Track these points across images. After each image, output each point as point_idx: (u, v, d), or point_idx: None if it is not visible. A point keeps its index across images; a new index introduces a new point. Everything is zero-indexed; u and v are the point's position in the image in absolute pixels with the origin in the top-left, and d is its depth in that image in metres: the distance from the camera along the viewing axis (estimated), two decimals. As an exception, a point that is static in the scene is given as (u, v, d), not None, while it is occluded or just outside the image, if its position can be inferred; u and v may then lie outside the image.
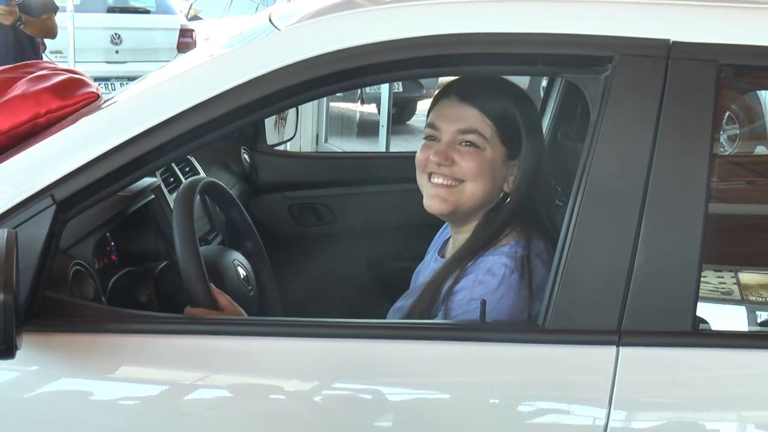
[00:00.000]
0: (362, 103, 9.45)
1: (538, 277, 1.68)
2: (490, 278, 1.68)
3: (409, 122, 10.07)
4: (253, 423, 1.53)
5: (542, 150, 1.82)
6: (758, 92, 5.32)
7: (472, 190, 1.77)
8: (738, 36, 1.53)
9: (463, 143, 1.76)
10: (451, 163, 1.76)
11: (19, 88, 1.90)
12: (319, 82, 1.56)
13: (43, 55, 7.40)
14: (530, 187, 1.78)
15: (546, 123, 2.83)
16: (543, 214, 1.78)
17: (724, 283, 1.84)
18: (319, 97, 1.76)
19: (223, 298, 1.81)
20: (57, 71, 2.02)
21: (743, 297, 1.83)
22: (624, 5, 1.61)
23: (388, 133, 6.43)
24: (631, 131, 1.49)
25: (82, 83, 1.96)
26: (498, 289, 1.67)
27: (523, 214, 1.76)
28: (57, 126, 1.76)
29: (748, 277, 1.90)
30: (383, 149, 6.41)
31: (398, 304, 1.94)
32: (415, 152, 1.85)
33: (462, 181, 1.77)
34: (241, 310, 1.84)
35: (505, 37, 1.55)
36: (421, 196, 1.83)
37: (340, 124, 9.09)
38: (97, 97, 1.94)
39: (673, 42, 1.50)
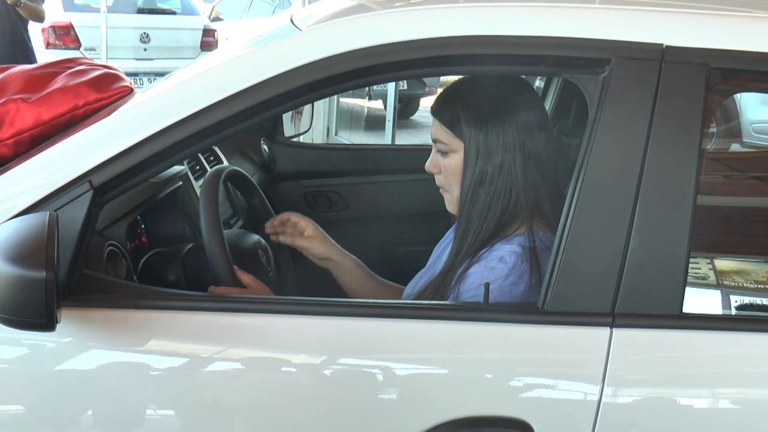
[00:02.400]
0: (369, 99, 9.43)
1: (545, 267, 1.65)
2: (502, 266, 1.65)
3: (412, 117, 10.05)
4: (265, 393, 1.53)
5: (502, 140, 1.70)
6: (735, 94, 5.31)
7: (460, 189, 1.76)
8: (726, 41, 1.52)
9: (438, 152, 1.79)
10: (439, 171, 1.79)
11: (59, 82, 1.89)
12: (337, 79, 1.55)
13: (79, 52, 7.40)
14: (493, 174, 1.70)
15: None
16: (551, 207, 1.74)
17: (700, 269, 1.83)
18: (336, 93, 1.75)
19: (246, 277, 1.80)
20: (94, 67, 2.01)
21: (720, 282, 1.82)
22: (621, 11, 1.60)
23: (393, 127, 6.42)
24: (626, 128, 1.47)
25: (117, 78, 1.96)
26: (508, 276, 1.64)
27: (535, 207, 1.72)
28: (94, 117, 1.75)
29: (726, 263, 1.89)
30: (389, 142, 6.40)
31: (412, 282, 1.94)
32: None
33: (450, 183, 1.78)
34: (266, 287, 1.83)
35: (509, 39, 1.53)
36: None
37: (349, 119, 9.07)
38: (131, 90, 1.94)
39: (667, 46, 1.49)
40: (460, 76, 1.86)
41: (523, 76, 1.94)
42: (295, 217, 2.11)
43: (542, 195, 1.72)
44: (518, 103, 1.73)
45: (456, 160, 1.74)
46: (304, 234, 2.09)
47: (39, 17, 5.74)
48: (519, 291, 1.63)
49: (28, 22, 5.71)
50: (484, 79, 1.80)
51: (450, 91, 1.80)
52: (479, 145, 1.70)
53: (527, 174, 1.70)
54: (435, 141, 1.79)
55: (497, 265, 1.66)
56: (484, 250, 1.70)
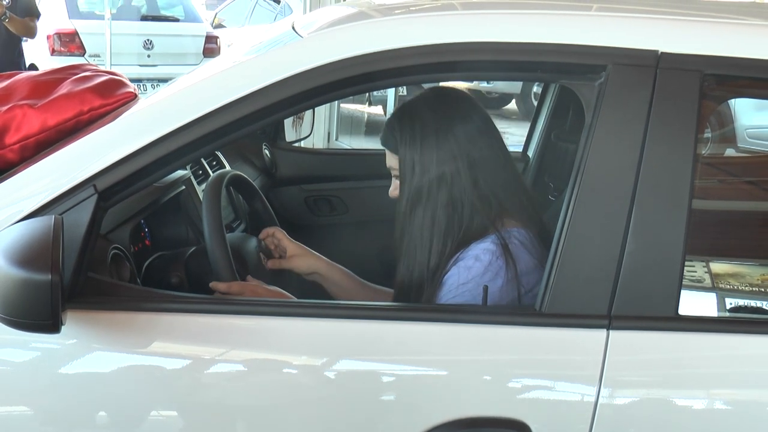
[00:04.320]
0: (370, 104, 9.41)
1: (521, 263, 1.66)
2: (478, 264, 1.66)
3: (411, 123, 9.99)
4: (266, 394, 1.53)
5: (436, 155, 1.70)
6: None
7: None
8: (720, 49, 1.52)
9: (394, 177, 1.81)
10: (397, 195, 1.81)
11: (64, 88, 1.90)
12: (338, 86, 1.55)
13: (84, 58, 7.34)
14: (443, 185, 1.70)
15: (540, 126, 2.82)
16: (517, 204, 1.75)
17: (695, 272, 1.83)
18: (338, 98, 1.76)
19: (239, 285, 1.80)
20: (98, 73, 2.02)
21: (715, 285, 1.83)
22: (617, 19, 1.61)
23: (393, 132, 6.38)
24: (622, 133, 1.48)
25: (121, 84, 1.96)
26: (485, 273, 1.65)
27: (500, 208, 1.72)
28: (99, 122, 1.75)
29: (721, 266, 1.89)
30: (389, 147, 6.36)
31: None
32: None
33: None
34: (269, 289, 1.82)
35: (507, 46, 1.54)
36: None
37: (350, 124, 9.06)
38: (135, 96, 1.94)
39: (662, 53, 1.49)
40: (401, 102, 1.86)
41: (466, 82, 1.94)
42: (279, 234, 2.11)
43: (502, 196, 1.72)
44: (453, 117, 1.73)
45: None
46: (286, 254, 2.09)
47: (29, 33, 5.48)
48: (497, 287, 1.64)
49: (22, 39, 5.57)
50: (419, 101, 1.80)
51: (390, 118, 1.81)
52: (414, 163, 1.72)
53: (479, 180, 1.70)
54: (389, 168, 1.81)
55: (474, 264, 1.67)
56: (460, 252, 1.70)
